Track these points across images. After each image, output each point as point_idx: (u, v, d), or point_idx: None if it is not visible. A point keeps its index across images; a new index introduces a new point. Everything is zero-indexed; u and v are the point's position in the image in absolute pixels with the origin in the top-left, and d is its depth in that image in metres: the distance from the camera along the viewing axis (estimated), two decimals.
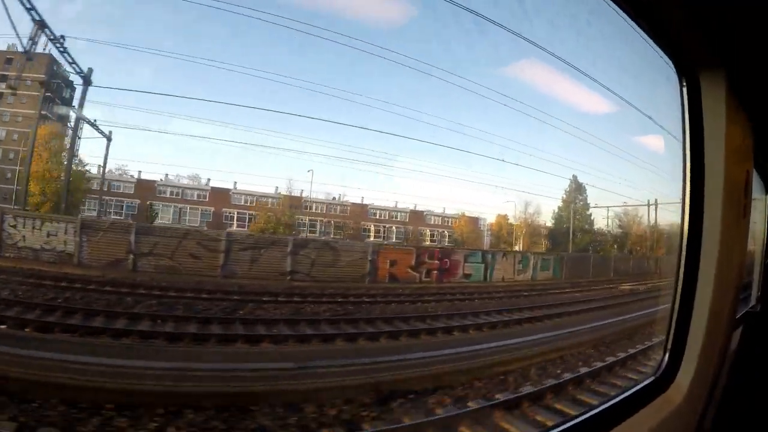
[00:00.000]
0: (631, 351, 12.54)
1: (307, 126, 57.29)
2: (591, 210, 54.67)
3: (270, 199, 38.70)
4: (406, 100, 56.58)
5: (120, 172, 35.47)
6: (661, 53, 2.70)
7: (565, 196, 54.64)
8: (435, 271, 29.60)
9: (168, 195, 36.24)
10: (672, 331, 2.88)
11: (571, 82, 42.59)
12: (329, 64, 49.41)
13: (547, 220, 53.54)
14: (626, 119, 59.56)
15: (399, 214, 43.75)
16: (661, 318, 14.48)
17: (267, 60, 48.76)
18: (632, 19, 2.44)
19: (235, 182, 37.76)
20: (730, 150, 2.70)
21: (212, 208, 36.37)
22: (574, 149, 71.82)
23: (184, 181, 37.24)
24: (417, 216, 44.40)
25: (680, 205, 2.85)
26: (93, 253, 21.73)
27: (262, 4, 42.87)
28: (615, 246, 55.48)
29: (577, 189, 54.97)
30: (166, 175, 36.40)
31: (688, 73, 2.74)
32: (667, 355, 2.88)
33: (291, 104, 58.76)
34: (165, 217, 34.98)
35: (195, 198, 36.56)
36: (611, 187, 69.10)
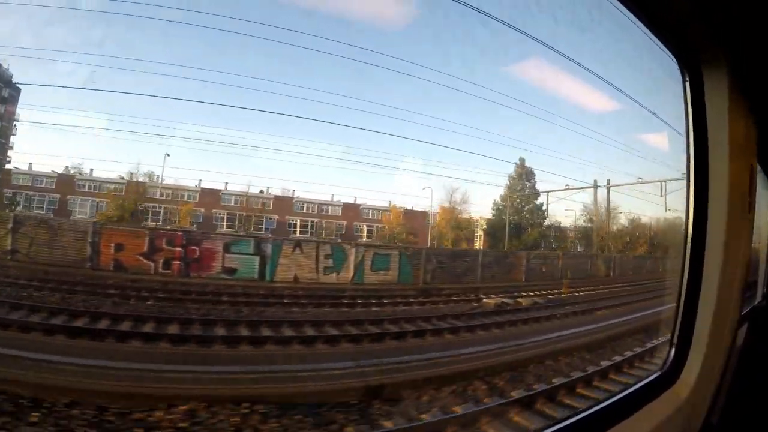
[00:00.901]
0: None
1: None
2: (543, 200, 49.02)
3: (187, 194, 38.63)
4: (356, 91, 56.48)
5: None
6: (663, 48, 2.77)
7: (509, 182, 49.07)
8: (177, 262, 24.05)
9: (86, 189, 36.02)
10: (678, 327, 2.96)
11: (573, 78, 42.05)
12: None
13: (489, 211, 49.44)
14: (628, 115, 57.90)
15: (331, 207, 42.53)
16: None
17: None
18: (634, 15, 2.50)
19: (158, 176, 37.87)
20: (734, 144, 2.78)
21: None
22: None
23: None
24: (352, 210, 42.95)
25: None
26: None
27: None
28: (578, 243, 52.24)
29: (524, 175, 49.43)
30: (91, 170, 36.66)
31: (691, 68, 2.82)
32: (673, 350, 2.96)
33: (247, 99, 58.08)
34: (82, 212, 34.94)
35: (111, 191, 36.31)
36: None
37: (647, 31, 2.64)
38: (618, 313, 19.40)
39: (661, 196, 37.41)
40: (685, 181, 3.01)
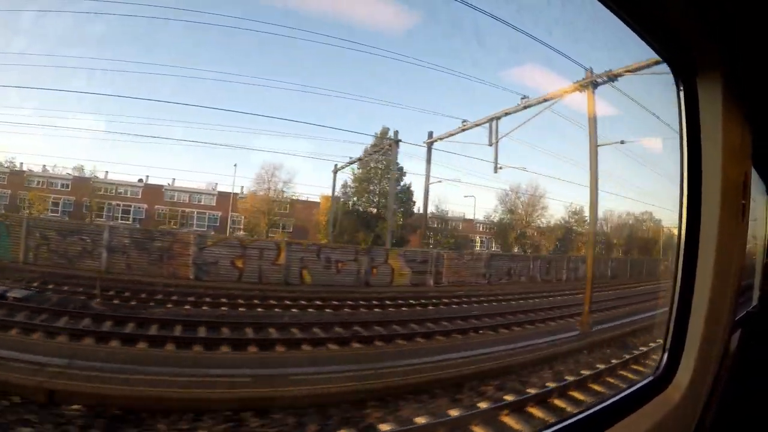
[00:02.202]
0: None
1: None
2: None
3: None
4: None
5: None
6: (658, 56, 2.83)
7: (362, 157, 38.96)
8: None
9: None
10: (671, 332, 2.98)
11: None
12: None
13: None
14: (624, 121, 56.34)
15: (204, 196, 40.21)
16: None
17: None
18: (627, 24, 2.50)
19: (44, 166, 37.34)
20: (728, 151, 2.82)
21: (9, 191, 35.79)
22: None
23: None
24: (223, 199, 40.02)
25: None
26: None
27: None
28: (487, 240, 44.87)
29: (382, 149, 38.35)
30: None
31: (685, 75, 2.84)
32: (666, 355, 2.98)
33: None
34: None
35: None
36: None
37: (640, 39, 2.64)
38: None
39: (491, 144, 28.18)
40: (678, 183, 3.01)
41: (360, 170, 40.44)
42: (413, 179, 40.35)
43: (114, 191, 38.55)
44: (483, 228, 47.88)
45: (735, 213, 3.01)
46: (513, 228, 45.13)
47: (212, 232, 35.35)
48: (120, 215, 37.56)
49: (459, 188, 57.93)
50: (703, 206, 2.88)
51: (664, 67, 2.89)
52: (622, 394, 2.94)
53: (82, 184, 37.55)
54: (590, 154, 19.93)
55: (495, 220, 45.99)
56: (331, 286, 24.91)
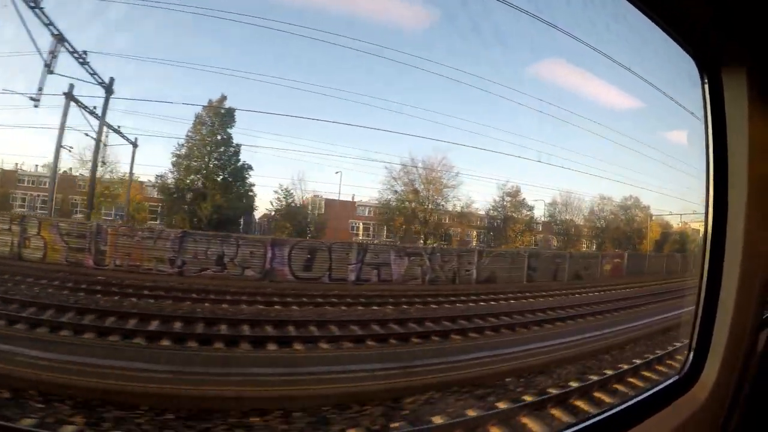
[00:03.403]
0: None
1: None
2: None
3: None
4: None
5: None
6: (682, 51, 2.72)
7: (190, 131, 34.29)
8: None
9: None
10: (696, 330, 2.90)
11: (589, 81, 40.23)
12: None
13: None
14: (647, 117, 53.27)
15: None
16: None
17: None
18: (650, 19, 2.45)
19: None
20: (756, 144, 2.71)
21: None
22: None
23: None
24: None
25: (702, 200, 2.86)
26: None
27: None
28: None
29: (212, 122, 34.30)
30: None
31: (710, 69, 2.76)
32: (691, 354, 2.91)
33: None
34: None
35: None
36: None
37: (664, 34, 2.58)
38: None
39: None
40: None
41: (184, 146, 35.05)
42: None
43: (36, 182, 38.73)
44: (373, 213, 39.77)
45: (763, 207, 2.88)
46: (403, 213, 37.34)
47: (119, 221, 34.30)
48: (39, 205, 37.17)
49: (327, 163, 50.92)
50: (729, 201, 2.79)
51: (688, 61, 2.79)
52: (646, 394, 2.88)
53: (7, 176, 37.85)
54: None
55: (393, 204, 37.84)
56: None
